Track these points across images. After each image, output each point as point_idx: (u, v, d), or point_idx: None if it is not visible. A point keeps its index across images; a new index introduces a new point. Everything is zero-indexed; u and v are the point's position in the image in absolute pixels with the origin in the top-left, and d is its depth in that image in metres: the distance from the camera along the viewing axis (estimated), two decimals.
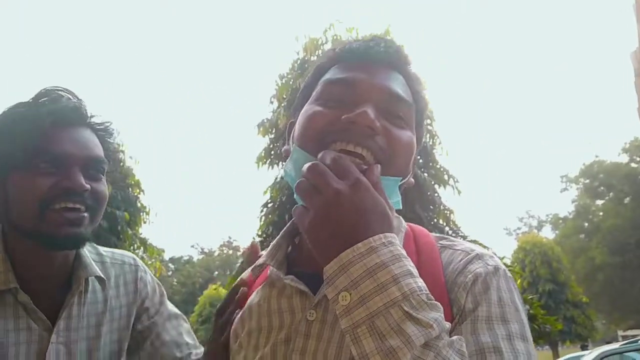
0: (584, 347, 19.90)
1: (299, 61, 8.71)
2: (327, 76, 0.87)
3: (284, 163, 0.89)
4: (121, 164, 10.85)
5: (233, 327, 0.91)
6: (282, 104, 8.51)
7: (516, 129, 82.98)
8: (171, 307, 1.39)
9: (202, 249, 47.46)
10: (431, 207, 8.18)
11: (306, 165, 0.71)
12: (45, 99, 1.12)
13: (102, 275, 1.21)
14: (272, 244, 0.89)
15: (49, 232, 1.06)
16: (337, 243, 0.66)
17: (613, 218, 26.10)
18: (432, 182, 8.31)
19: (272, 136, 8.86)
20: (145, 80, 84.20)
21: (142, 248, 11.12)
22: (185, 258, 46.09)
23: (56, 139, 1.07)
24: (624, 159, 28.32)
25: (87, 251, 1.24)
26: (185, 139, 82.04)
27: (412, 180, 0.90)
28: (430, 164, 8.43)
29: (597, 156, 30.36)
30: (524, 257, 22.55)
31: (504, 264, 0.82)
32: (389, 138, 0.81)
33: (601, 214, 28.37)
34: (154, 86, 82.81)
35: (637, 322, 26.60)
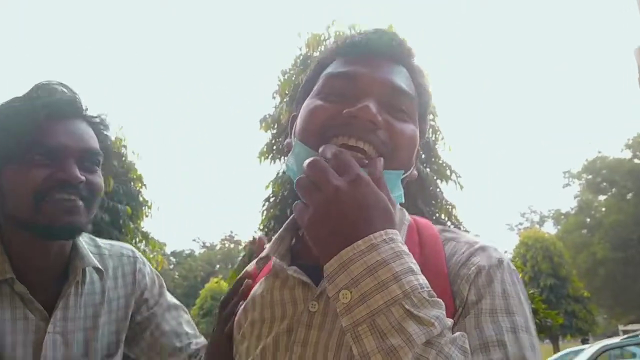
0: (584, 341, 19.93)
1: (301, 57, 8.69)
2: (329, 70, 0.87)
3: (286, 157, 0.89)
4: (123, 158, 10.88)
5: (237, 318, 0.91)
6: (285, 100, 8.50)
7: (519, 125, 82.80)
8: (170, 298, 1.39)
9: (203, 242, 47.62)
10: (433, 202, 8.17)
11: (306, 162, 0.70)
12: (40, 92, 1.12)
13: (100, 266, 1.21)
14: (275, 236, 0.89)
15: (44, 223, 1.06)
16: (337, 240, 0.66)
17: (615, 214, 26.03)
18: (435, 177, 8.31)
19: (275, 131, 8.86)
20: (148, 75, 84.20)
21: (144, 242, 11.15)
22: (187, 252, 46.21)
23: (51, 132, 1.08)
24: (627, 154, 28.20)
25: (85, 243, 1.25)
26: (187, 134, 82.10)
27: (415, 172, 0.90)
28: (433, 159, 8.42)
29: (600, 152, 30.19)
30: (525, 252, 22.55)
31: None
32: (391, 132, 0.81)
33: (603, 209, 28.29)
34: (157, 81, 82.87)
35: (638, 317, 26.59)
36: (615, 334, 24.78)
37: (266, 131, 8.95)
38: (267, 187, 8.81)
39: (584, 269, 25.65)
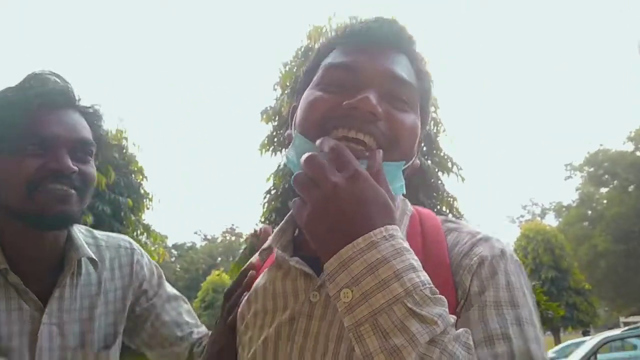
0: (585, 333, 20.05)
1: (302, 49, 8.67)
2: (328, 60, 0.86)
3: (287, 149, 0.88)
4: (124, 150, 10.89)
5: (240, 308, 0.92)
6: (286, 92, 8.49)
7: (521, 117, 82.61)
8: (170, 288, 1.40)
9: (205, 235, 47.81)
10: (435, 194, 8.18)
11: (303, 158, 0.69)
12: (32, 82, 1.12)
13: (94, 257, 1.21)
14: (277, 228, 0.89)
15: (37, 212, 1.07)
16: (336, 238, 0.64)
17: (617, 206, 26.02)
18: (436, 170, 8.31)
19: (276, 123, 8.85)
20: (149, 67, 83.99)
21: (145, 234, 11.19)
22: (189, 244, 46.37)
23: (44, 122, 1.08)
24: (629, 147, 28.13)
25: (82, 234, 1.25)
26: (188, 126, 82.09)
27: (418, 162, 0.89)
28: (434, 151, 8.41)
29: (601, 144, 30.25)
30: (526, 244, 22.61)
31: None
32: (392, 122, 0.80)
33: (605, 202, 28.28)
34: (158, 73, 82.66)
35: (639, 309, 26.66)
36: (616, 325, 24.87)
37: (267, 123, 8.95)
38: (268, 179, 8.82)
39: (585, 262, 25.70)
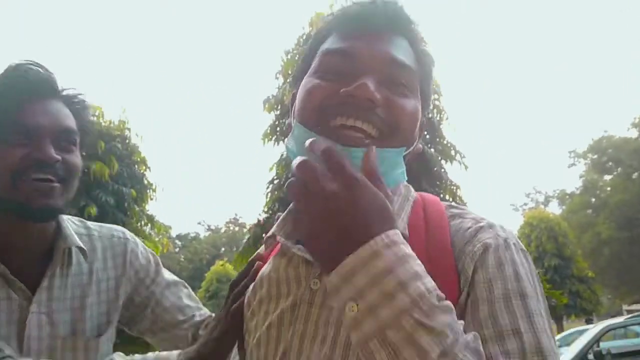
0: (588, 321, 20.11)
1: (304, 36, 8.61)
2: (325, 46, 0.84)
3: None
4: (127, 140, 10.91)
5: (247, 296, 0.93)
6: (288, 80, 8.43)
7: (524, 104, 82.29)
8: (168, 275, 1.40)
9: (208, 225, 47.96)
10: (438, 182, 8.16)
11: (295, 163, 0.67)
12: (15, 72, 1.12)
13: (83, 246, 1.22)
14: (281, 216, 0.89)
15: (21, 202, 1.08)
16: (336, 250, 0.63)
17: (621, 193, 25.97)
18: (439, 158, 8.29)
19: (278, 112, 8.81)
20: (151, 57, 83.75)
21: (149, 225, 11.23)
22: (192, 235, 46.58)
23: (27, 111, 1.10)
24: (634, 134, 27.98)
25: (74, 225, 1.26)
26: (191, 117, 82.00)
27: (420, 146, 0.88)
28: (437, 139, 8.38)
29: (605, 131, 30.01)
30: (530, 232, 22.61)
31: None
32: (391, 108, 0.78)
33: (609, 189, 28.23)
34: (161, 63, 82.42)
35: None
36: (619, 313, 24.89)
37: (269, 112, 8.91)
38: (271, 169, 8.81)
39: (589, 249, 25.71)
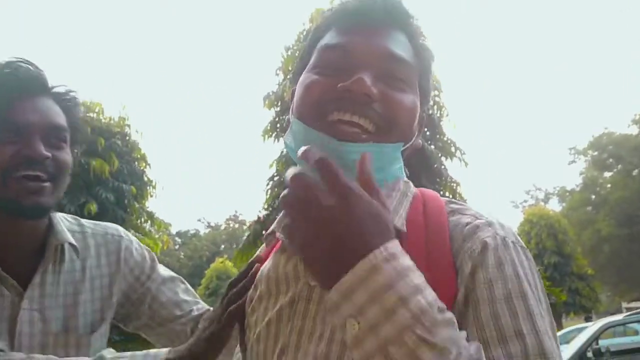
0: (588, 319, 20.11)
1: (304, 32, 8.60)
2: (324, 41, 0.84)
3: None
4: (127, 137, 10.90)
5: (249, 292, 0.93)
6: (288, 76, 8.43)
7: (524, 101, 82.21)
8: (164, 270, 1.40)
9: (208, 223, 47.98)
10: (437, 179, 8.17)
11: (289, 175, 0.66)
12: (5, 69, 1.13)
13: (74, 242, 1.22)
14: (281, 213, 0.87)
15: (12, 199, 1.08)
16: (334, 266, 0.62)
17: (621, 190, 25.97)
18: (439, 154, 8.29)
19: (278, 109, 8.81)
20: (151, 53, 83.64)
21: (149, 221, 11.23)
22: (192, 232, 46.59)
23: (17, 108, 1.10)
24: (634, 130, 27.96)
25: (67, 222, 1.27)
26: (191, 113, 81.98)
27: (419, 141, 0.87)
28: (438, 135, 8.38)
29: (606, 128, 29.98)
30: (530, 229, 22.64)
31: None
32: (389, 103, 0.78)
33: (609, 186, 28.22)
34: (161, 59, 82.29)
35: None
36: (618, 311, 24.92)
37: (270, 109, 8.91)
38: (271, 165, 8.82)
39: (589, 246, 25.73)
